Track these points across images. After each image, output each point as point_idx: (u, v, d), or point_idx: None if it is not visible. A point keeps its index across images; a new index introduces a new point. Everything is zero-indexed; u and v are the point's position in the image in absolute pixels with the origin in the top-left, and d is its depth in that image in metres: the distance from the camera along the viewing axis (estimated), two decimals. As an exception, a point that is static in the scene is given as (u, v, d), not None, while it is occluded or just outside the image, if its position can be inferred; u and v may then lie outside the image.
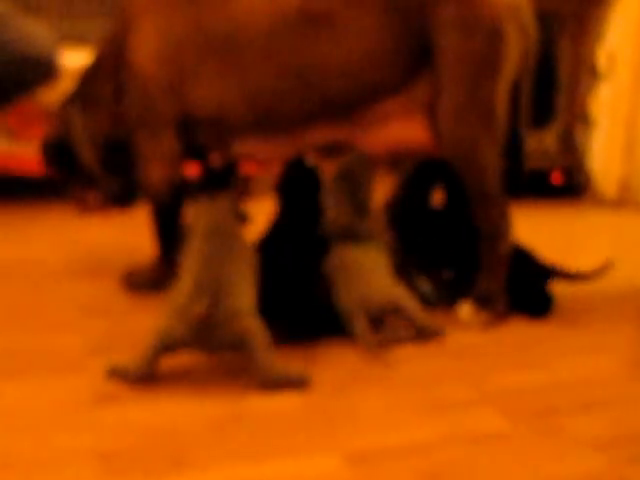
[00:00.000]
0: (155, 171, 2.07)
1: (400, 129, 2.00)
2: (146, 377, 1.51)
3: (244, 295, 1.57)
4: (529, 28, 1.96)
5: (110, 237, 2.87)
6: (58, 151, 2.21)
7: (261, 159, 2.10)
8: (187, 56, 1.99)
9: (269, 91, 1.96)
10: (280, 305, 1.74)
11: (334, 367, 1.64)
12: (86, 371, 1.58)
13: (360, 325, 1.71)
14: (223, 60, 1.97)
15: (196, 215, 1.77)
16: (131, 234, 2.93)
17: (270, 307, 1.70)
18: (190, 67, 1.99)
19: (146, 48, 2.01)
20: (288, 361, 1.66)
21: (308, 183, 1.98)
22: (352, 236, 1.91)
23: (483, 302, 1.95)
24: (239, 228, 1.77)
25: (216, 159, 2.07)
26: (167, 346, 1.49)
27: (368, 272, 1.82)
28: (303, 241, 1.89)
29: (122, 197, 2.28)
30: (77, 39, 3.55)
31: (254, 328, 1.51)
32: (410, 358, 1.71)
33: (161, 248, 2.15)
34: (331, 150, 2.10)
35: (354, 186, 1.96)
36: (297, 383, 1.52)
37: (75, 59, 3.20)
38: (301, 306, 1.76)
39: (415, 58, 1.91)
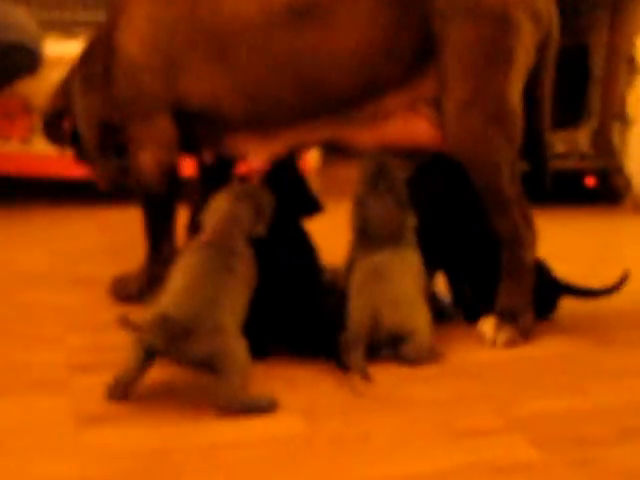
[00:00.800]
0: (147, 157, 2.07)
1: (404, 126, 2.01)
2: (133, 390, 1.52)
3: (231, 313, 1.58)
4: (544, 14, 1.95)
5: (95, 242, 2.88)
6: (59, 123, 2.24)
7: (255, 158, 2.10)
8: (177, 45, 2.01)
9: (261, 85, 1.98)
10: (276, 317, 1.76)
11: (340, 387, 1.64)
12: (69, 390, 1.57)
13: (356, 354, 1.69)
14: (213, 50, 1.99)
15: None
16: (118, 238, 2.94)
17: (263, 318, 1.73)
18: (180, 56, 2.01)
19: (134, 33, 2.04)
20: (285, 380, 1.66)
21: (290, 176, 2.00)
22: (398, 237, 1.92)
23: (507, 317, 1.95)
24: (244, 238, 1.77)
25: (208, 154, 2.09)
26: (146, 353, 1.51)
27: (393, 285, 1.82)
28: (290, 242, 1.90)
29: (117, 181, 2.28)
30: (59, 28, 3.58)
31: (232, 349, 1.51)
32: (426, 378, 1.71)
33: (151, 250, 2.15)
34: (331, 149, 2.12)
35: (390, 181, 1.97)
36: (265, 409, 1.51)
37: (58, 48, 3.23)
38: (299, 318, 1.76)
39: (417, 49, 1.92)
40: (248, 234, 1.79)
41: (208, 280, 1.60)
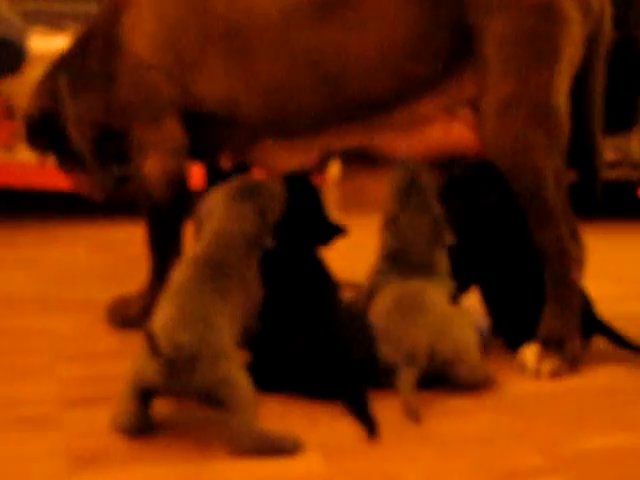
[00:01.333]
0: (153, 164, 2.09)
1: (441, 131, 2.02)
2: (140, 431, 1.52)
3: (227, 333, 1.58)
4: (595, 4, 1.96)
5: (89, 262, 2.88)
6: (44, 127, 2.24)
7: (278, 167, 2.11)
8: (189, 43, 2.03)
9: (283, 86, 1.99)
10: (287, 349, 1.75)
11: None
12: (61, 426, 1.58)
13: (408, 380, 1.70)
14: (229, 48, 2.01)
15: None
16: (114, 258, 2.94)
17: (273, 350, 1.73)
18: (192, 55, 2.03)
19: (141, 31, 2.06)
20: (302, 413, 1.65)
21: (304, 196, 1.99)
22: (430, 263, 1.93)
23: (551, 344, 1.94)
24: (243, 250, 1.77)
25: (226, 161, 2.10)
26: (143, 391, 1.51)
27: (439, 313, 1.82)
28: (303, 268, 1.90)
29: (114, 193, 2.30)
30: (45, 21, 3.60)
31: (236, 377, 1.51)
32: (461, 412, 1.71)
33: (155, 269, 2.16)
34: (360, 158, 2.13)
35: (424, 195, 1.97)
36: (287, 448, 1.50)
37: (44, 44, 3.24)
38: (313, 351, 1.74)
39: (452, 46, 1.93)
40: (251, 245, 1.77)
41: (201, 303, 1.58)
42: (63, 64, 2.20)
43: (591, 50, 2.00)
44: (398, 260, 1.94)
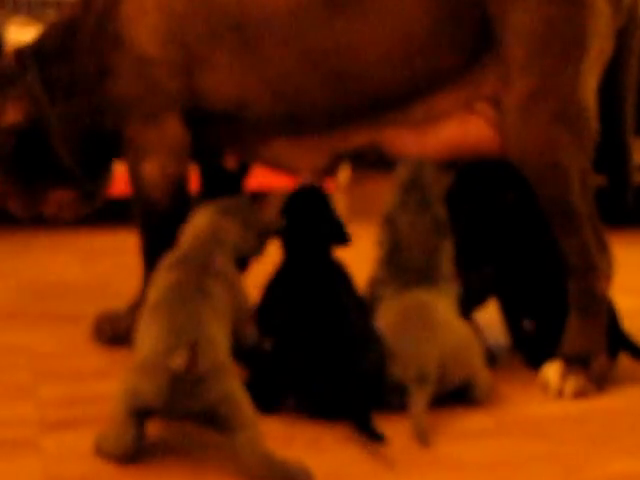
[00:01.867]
0: (152, 166, 2.06)
1: (459, 128, 2.00)
2: (132, 455, 1.49)
3: (222, 344, 1.58)
4: None
5: (74, 273, 2.87)
6: (24, 139, 2.20)
7: (290, 168, 2.11)
8: (194, 35, 2.02)
9: (293, 81, 1.99)
10: (293, 370, 1.72)
11: (375, 444, 1.62)
12: (40, 451, 1.56)
13: (419, 400, 1.68)
14: (237, 43, 2.00)
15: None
16: (101, 269, 2.93)
17: (277, 370, 1.71)
18: (198, 48, 2.02)
19: (144, 23, 2.04)
20: (307, 439, 1.64)
21: (313, 205, 1.99)
22: (432, 267, 1.90)
23: (576, 362, 1.92)
24: (227, 256, 1.78)
25: (230, 162, 2.09)
26: (136, 412, 1.48)
27: (445, 329, 1.80)
28: (312, 284, 1.88)
29: (95, 199, 2.30)
30: (25, 10, 3.58)
31: (237, 391, 1.49)
32: (479, 435, 1.69)
33: (148, 280, 2.11)
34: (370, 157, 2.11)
35: (425, 194, 1.96)
36: (300, 477, 1.46)
37: (23, 35, 3.21)
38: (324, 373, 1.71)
39: (472, 38, 1.92)
40: (234, 253, 1.81)
41: (190, 311, 1.57)
42: (36, 66, 2.16)
43: (622, 44, 1.99)
44: (397, 265, 1.92)
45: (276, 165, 2.13)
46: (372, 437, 1.58)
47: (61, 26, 2.17)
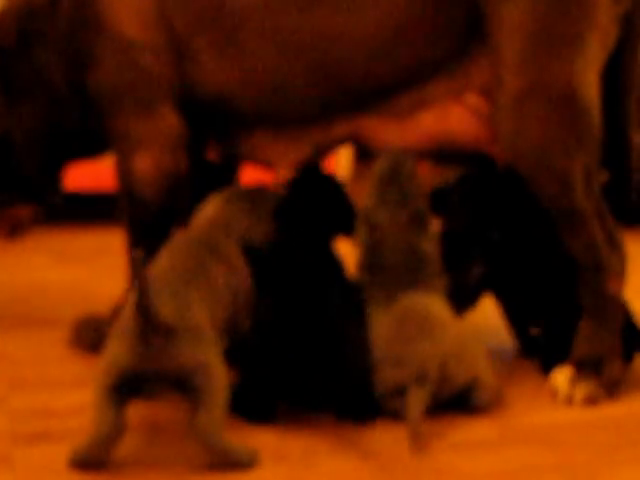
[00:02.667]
0: (146, 160, 2.06)
1: (443, 119, 2.02)
2: (114, 439, 1.51)
3: (211, 322, 1.62)
4: None
5: (53, 273, 2.87)
6: None
7: (269, 161, 2.11)
8: (178, 19, 2.02)
9: (275, 73, 2.01)
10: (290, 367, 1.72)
11: (369, 456, 1.62)
12: (12, 466, 1.55)
13: (416, 402, 1.67)
14: (219, 33, 2.02)
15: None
16: (80, 270, 2.93)
17: (273, 368, 1.71)
18: (183, 34, 2.03)
19: (128, 7, 2.04)
20: (301, 450, 1.63)
21: (326, 193, 2.01)
22: (416, 267, 1.90)
23: (587, 367, 1.92)
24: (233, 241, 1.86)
25: (213, 155, 2.11)
26: (114, 385, 1.51)
27: (446, 331, 1.81)
28: (314, 278, 1.88)
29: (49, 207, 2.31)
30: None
31: (215, 366, 1.54)
32: (484, 444, 1.69)
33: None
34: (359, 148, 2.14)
35: (404, 187, 1.96)
36: (243, 461, 1.53)
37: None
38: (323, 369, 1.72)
39: (462, 28, 1.94)
40: (241, 240, 1.88)
41: (181, 278, 1.65)
42: None
43: (624, 35, 1.98)
44: (377, 266, 1.92)
45: (255, 158, 2.13)
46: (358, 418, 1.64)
47: (16, 12, 2.14)
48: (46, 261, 3.07)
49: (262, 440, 1.66)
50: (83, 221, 3.63)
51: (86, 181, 3.44)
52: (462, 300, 2.08)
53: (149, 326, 1.49)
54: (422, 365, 1.72)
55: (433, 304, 1.86)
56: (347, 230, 2.01)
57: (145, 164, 2.06)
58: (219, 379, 1.54)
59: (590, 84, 1.91)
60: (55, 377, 1.98)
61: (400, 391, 1.72)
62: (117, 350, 1.52)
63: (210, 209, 1.92)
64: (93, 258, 3.12)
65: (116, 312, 2.11)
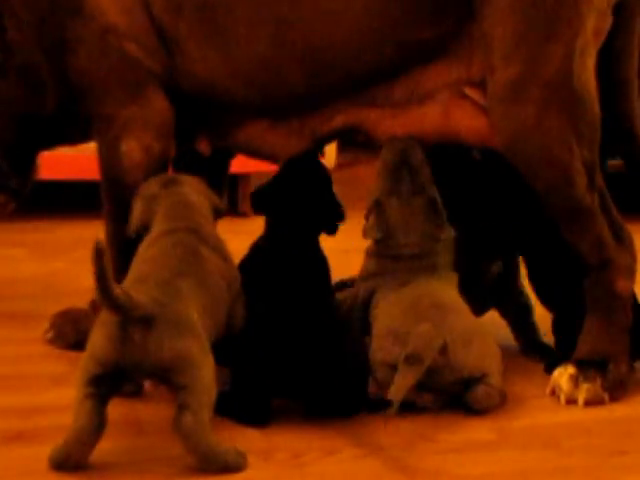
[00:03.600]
0: (135, 145, 2.06)
1: (445, 113, 2.03)
2: (95, 436, 1.52)
3: (199, 312, 1.62)
4: None
5: (31, 266, 2.88)
6: None
7: (266, 154, 2.13)
8: (158, 6, 2.03)
9: (264, 62, 2.02)
10: (281, 367, 1.75)
11: (366, 458, 1.63)
12: None
13: (405, 379, 1.72)
14: (204, 22, 2.02)
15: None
16: (62, 261, 2.95)
17: (263, 369, 1.73)
18: (166, 21, 2.03)
19: None
20: (291, 453, 1.64)
21: (313, 182, 2.01)
22: (430, 254, 1.95)
23: (591, 367, 1.93)
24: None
25: (204, 147, 2.12)
26: (95, 378, 1.53)
27: (460, 317, 1.85)
28: (305, 269, 1.92)
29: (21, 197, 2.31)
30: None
31: (199, 359, 1.54)
32: (483, 447, 1.70)
33: (116, 273, 2.09)
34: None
35: (418, 175, 1.99)
36: (230, 464, 1.54)
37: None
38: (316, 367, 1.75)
39: (455, 8, 1.94)
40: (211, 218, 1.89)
41: (169, 266, 1.66)
42: None
43: (621, 19, 1.99)
44: (389, 254, 1.96)
45: (251, 151, 2.15)
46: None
47: None
48: (23, 255, 3.07)
49: (250, 441, 1.66)
50: (60, 213, 3.61)
51: (64, 171, 3.45)
52: (481, 300, 2.12)
53: (127, 317, 1.50)
54: (418, 345, 1.75)
55: (444, 289, 1.90)
56: (329, 224, 2.01)
57: (133, 148, 2.06)
58: (204, 376, 1.53)
59: (587, 69, 1.92)
60: (34, 375, 1.98)
61: (393, 366, 1.76)
62: (96, 343, 1.53)
63: (173, 196, 1.88)
64: (71, 251, 3.10)
65: (95, 308, 2.14)
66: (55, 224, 3.50)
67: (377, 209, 1.98)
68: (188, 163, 2.21)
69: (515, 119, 1.91)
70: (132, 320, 1.51)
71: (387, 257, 1.97)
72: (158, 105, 2.07)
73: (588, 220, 1.93)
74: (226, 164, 2.35)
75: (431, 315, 1.82)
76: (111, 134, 2.08)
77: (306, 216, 1.97)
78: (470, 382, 1.81)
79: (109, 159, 2.09)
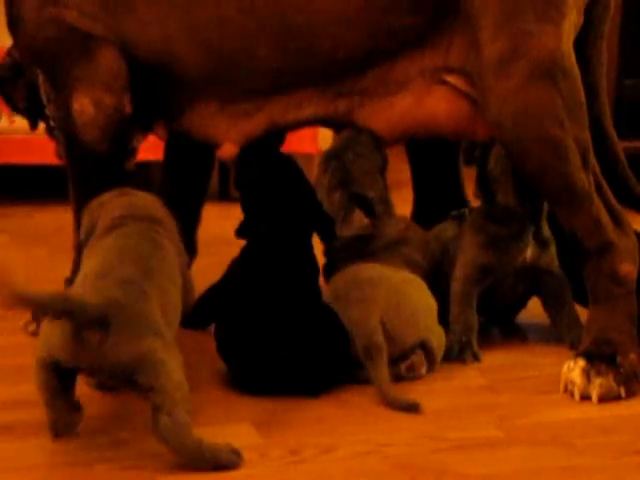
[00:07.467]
0: (85, 100, 2.06)
1: (427, 101, 2.04)
2: (72, 421, 1.58)
3: (160, 305, 1.62)
4: None
5: (10, 254, 2.90)
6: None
7: (213, 138, 2.13)
8: None
9: (226, 31, 2.00)
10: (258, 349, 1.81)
11: (363, 451, 1.63)
12: None
13: (379, 371, 1.81)
14: None
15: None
16: (45, 249, 2.96)
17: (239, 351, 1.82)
18: None
19: None
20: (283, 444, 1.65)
21: (283, 175, 2.05)
22: (370, 246, 2.03)
23: (600, 360, 1.92)
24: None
25: (160, 132, 2.14)
26: (50, 368, 1.54)
27: (388, 292, 1.92)
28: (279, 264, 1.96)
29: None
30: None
31: (164, 357, 1.53)
32: (488, 445, 1.70)
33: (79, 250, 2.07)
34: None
35: (340, 175, 2.05)
36: (225, 462, 1.54)
37: None
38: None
39: None
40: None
41: (135, 261, 1.66)
42: None
43: (591, 15, 2.04)
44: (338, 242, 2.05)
45: (200, 136, 2.14)
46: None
47: None
48: (5, 243, 3.07)
49: (246, 437, 1.67)
50: (40, 199, 3.61)
51: (44, 156, 3.44)
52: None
53: (79, 322, 1.49)
54: (368, 335, 1.83)
55: (373, 269, 1.96)
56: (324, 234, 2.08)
57: (83, 103, 2.07)
58: (171, 374, 1.53)
59: (571, 52, 1.94)
60: (19, 366, 1.97)
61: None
62: (50, 339, 1.53)
63: (125, 197, 1.90)
64: (53, 238, 3.08)
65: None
66: (35, 211, 3.50)
67: (334, 159, 2.08)
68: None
69: (504, 93, 1.92)
70: (86, 323, 1.49)
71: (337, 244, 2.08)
72: (106, 61, 2.06)
73: (584, 201, 1.93)
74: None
75: (362, 301, 1.90)
76: (62, 96, 2.09)
77: (293, 221, 2.02)
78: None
79: (63, 121, 2.11)
